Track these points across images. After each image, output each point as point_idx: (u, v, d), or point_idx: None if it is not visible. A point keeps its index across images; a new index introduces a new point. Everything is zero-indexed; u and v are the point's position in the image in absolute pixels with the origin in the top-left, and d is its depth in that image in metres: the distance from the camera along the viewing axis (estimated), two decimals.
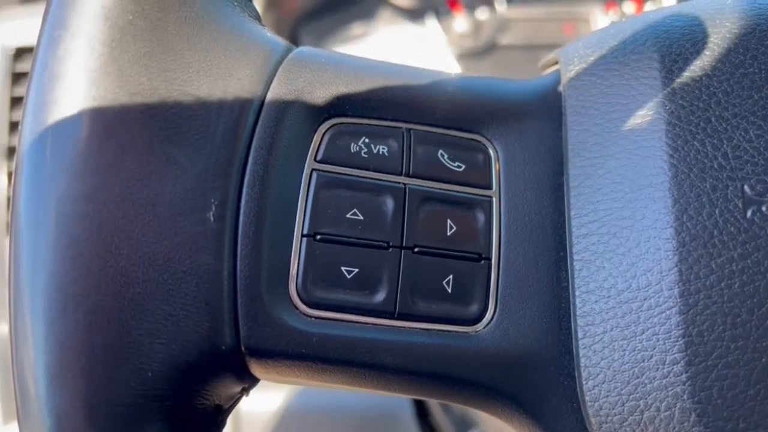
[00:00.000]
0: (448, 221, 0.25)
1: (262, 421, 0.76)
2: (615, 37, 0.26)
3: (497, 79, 0.28)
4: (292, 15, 1.02)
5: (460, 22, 1.04)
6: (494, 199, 0.26)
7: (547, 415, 0.24)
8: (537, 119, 0.26)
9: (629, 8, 1.05)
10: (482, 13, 1.04)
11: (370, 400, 0.76)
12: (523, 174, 0.26)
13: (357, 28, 1.04)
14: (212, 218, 0.22)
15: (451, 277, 0.25)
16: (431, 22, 1.04)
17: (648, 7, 1.05)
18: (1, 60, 0.75)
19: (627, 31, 0.26)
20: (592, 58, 0.26)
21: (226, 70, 0.24)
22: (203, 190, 0.22)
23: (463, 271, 0.25)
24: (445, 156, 0.26)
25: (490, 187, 0.26)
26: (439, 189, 0.25)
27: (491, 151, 0.26)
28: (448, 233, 0.25)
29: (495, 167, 0.26)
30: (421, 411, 0.79)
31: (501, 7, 1.04)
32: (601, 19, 1.04)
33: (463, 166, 0.26)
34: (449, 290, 0.24)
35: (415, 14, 1.04)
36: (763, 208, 0.22)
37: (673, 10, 0.26)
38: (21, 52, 0.75)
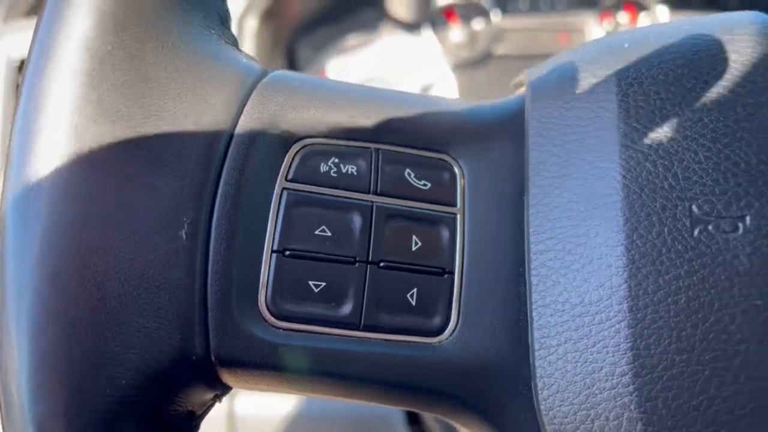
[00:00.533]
0: (413, 237, 0.26)
1: (256, 424, 0.78)
2: (578, 60, 0.27)
3: (465, 101, 0.29)
4: (290, 26, 1.03)
5: (456, 32, 1.05)
6: (458, 216, 0.26)
7: (507, 424, 0.25)
8: (502, 140, 0.27)
9: (623, 18, 1.05)
10: (478, 24, 1.05)
11: (362, 405, 0.77)
12: (486, 192, 0.27)
13: (354, 38, 1.05)
14: (184, 236, 0.23)
15: (415, 290, 0.25)
16: (427, 33, 1.05)
17: (642, 17, 1.06)
18: (5, 72, 0.77)
19: (588, 55, 0.27)
20: (555, 81, 0.27)
21: (201, 96, 0.25)
22: (176, 210, 0.23)
23: (426, 284, 0.25)
24: (412, 175, 0.27)
25: (454, 205, 0.27)
26: (405, 206, 0.26)
27: (457, 170, 0.27)
28: (413, 249, 0.26)
29: (460, 185, 0.27)
30: (412, 417, 0.80)
31: (496, 18, 1.05)
32: (595, 29, 1.04)
33: (429, 185, 0.27)
34: (413, 303, 0.25)
35: (411, 25, 1.05)
36: (710, 228, 0.22)
37: (631, 35, 0.27)
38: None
